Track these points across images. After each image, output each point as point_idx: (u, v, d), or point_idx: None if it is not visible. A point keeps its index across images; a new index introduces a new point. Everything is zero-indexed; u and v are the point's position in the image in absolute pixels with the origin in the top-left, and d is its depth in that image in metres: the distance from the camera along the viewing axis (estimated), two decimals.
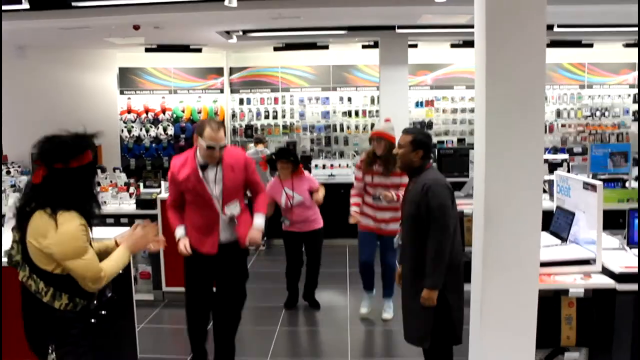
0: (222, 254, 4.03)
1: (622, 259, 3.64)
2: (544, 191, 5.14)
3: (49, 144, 2.65)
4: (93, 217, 2.77)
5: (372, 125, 10.80)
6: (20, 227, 2.67)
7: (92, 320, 2.81)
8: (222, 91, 10.93)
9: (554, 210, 4.27)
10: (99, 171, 3.10)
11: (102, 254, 2.83)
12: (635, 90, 10.80)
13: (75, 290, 2.68)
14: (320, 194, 5.70)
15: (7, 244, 4.00)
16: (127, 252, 2.87)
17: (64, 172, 2.63)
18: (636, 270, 3.42)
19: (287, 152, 5.84)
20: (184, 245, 4.01)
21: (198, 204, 3.98)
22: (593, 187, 3.64)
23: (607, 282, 3.48)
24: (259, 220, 4.10)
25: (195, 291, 4.17)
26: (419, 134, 3.82)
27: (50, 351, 2.68)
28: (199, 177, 3.90)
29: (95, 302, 2.82)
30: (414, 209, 3.61)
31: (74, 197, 2.66)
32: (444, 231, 3.55)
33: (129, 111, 10.80)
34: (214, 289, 4.25)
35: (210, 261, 4.04)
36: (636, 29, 7.88)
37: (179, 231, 4.08)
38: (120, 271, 2.89)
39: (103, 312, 2.97)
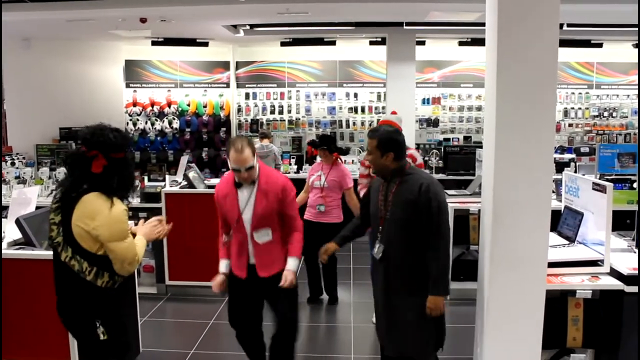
0: (255, 279, 3.73)
1: (631, 261, 3.60)
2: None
3: (105, 136, 2.84)
4: (128, 203, 3.00)
5: (379, 122, 10.75)
6: (65, 211, 2.83)
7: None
8: (228, 85, 10.91)
9: (562, 210, 4.23)
10: None
11: None
12: None
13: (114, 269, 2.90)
14: (352, 200, 5.71)
15: (9, 234, 4.03)
16: (145, 241, 3.07)
17: (120, 161, 2.89)
18: None
19: (325, 140, 5.90)
20: (217, 285, 3.79)
21: (233, 225, 3.75)
22: (602, 188, 3.60)
23: (614, 283, 3.44)
24: (293, 263, 3.70)
25: (235, 315, 3.89)
26: (384, 134, 3.48)
27: (97, 325, 2.89)
28: (234, 197, 3.69)
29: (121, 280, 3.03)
30: (409, 212, 3.33)
31: (126, 184, 2.94)
32: (447, 233, 3.38)
33: (135, 104, 10.78)
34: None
35: (246, 285, 3.77)
36: None
37: (221, 267, 3.86)
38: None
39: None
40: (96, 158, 2.82)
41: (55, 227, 2.87)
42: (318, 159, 6.20)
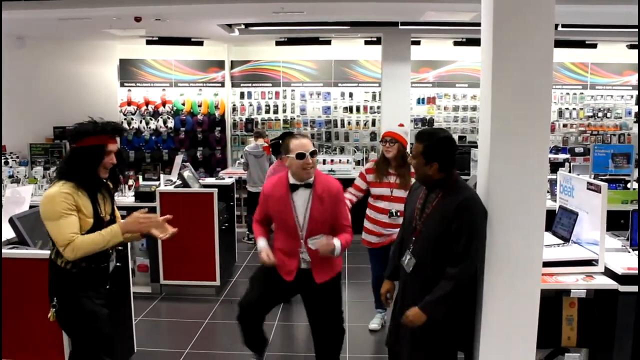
0: (304, 284, 3.75)
1: (625, 260, 3.62)
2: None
3: (73, 126, 3.10)
4: (92, 192, 3.09)
5: (374, 121, 10.77)
6: None
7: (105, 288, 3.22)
8: (223, 85, 10.89)
9: (557, 209, 4.24)
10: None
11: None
12: (638, 92, 10.76)
13: None
14: None
15: (3, 234, 4.01)
16: (117, 230, 3.05)
17: (72, 150, 3.11)
18: (638, 271, 3.39)
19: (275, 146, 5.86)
20: (267, 255, 3.70)
21: (283, 228, 3.71)
22: (597, 188, 3.61)
23: (609, 283, 3.45)
24: (337, 242, 3.64)
25: (254, 302, 3.82)
26: (432, 140, 3.20)
27: (53, 304, 3.02)
28: (287, 200, 3.63)
29: (93, 266, 3.09)
30: (443, 228, 3.10)
31: (73, 172, 3.03)
32: (474, 259, 3.10)
33: (129, 103, 10.75)
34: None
35: (285, 285, 3.77)
36: None
37: (261, 243, 3.80)
38: (109, 247, 3.07)
39: (108, 287, 3.27)
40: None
41: None
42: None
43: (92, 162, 3.06)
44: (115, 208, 3.34)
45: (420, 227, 3.21)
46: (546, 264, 3.39)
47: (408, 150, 4.91)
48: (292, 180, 3.65)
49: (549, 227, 3.86)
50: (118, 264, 3.48)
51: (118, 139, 3.24)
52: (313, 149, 3.60)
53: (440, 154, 3.16)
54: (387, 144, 4.78)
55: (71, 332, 3.12)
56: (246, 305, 3.81)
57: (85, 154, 3.04)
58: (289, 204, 3.63)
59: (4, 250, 3.79)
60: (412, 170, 4.31)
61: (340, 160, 9.07)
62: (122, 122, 10.66)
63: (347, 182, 6.03)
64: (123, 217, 3.30)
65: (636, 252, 3.79)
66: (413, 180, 4.10)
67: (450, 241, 3.07)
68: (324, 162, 8.84)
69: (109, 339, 3.14)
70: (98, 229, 3.04)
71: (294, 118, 10.95)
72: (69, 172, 3.03)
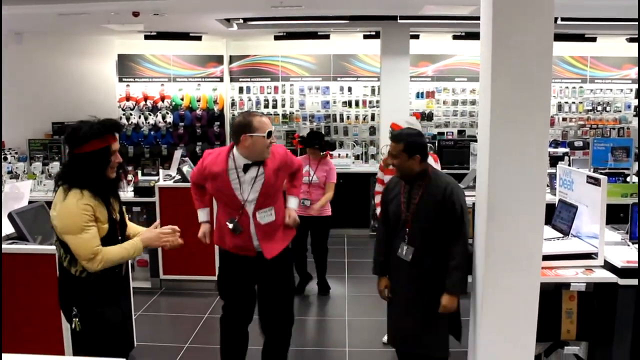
0: (261, 262, 3.65)
1: (625, 254, 3.62)
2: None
3: (68, 130, 2.95)
4: (106, 197, 2.98)
5: (373, 115, 10.75)
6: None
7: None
8: (221, 79, 10.86)
9: (556, 203, 4.24)
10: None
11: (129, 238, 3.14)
12: (637, 85, 10.75)
13: None
14: (324, 198, 5.81)
15: (4, 229, 4.01)
16: (140, 244, 3.04)
17: (75, 156, 2.91)
18: (637, 264, 3.40)
19: (315, 138, 5.91)
20: (204, 234, 3.77)
21: (227, 205, 3.64)
22: (597, 181, 3.61)
23: (608, 276, 3.46)
24: (294, 202, 3.84)
25: (231, 296, 3.78)
26: (410, 137, 3.52)
27: (73, 314, 2.93)
28: (227, 178, 3.54)
29: (108, 272, 2.99)
30: (435, 215, 3.42)
31: (86, 179, 2.87)
32: (467, 235, 3.45)
33: (128, 99, 10.72)
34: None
35: (247, 264, 3.67)
36: None
37: (201, 215, 3.82)
38: (130, 260, 3.12)
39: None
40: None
41: None
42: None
43: (101, 166, 2.93)
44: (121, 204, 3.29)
45: (412, 218, 3.46)
46: (546, 258, 3.40)
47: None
48: (243, 161, 3.52)
49: (548, 221, 3.87)
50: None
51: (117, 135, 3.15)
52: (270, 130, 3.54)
53: (419, 147, 3.48)
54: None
55: (88, 339, 3.01)
56: (228, 300, 3.81)
57: (92, 158, 2.89)
58: (229, 182, 3.54)
59: (3, 245, 3.79)
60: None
61: (339, 154, 9.07)
62: (120, 117, 10.65)
63: (346, 176, 6.06)
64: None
65: (636, 246, 3.79)
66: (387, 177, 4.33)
67: (443, 224, 3.40)
68: (331, 152, 8.83)
69: (121, 346, 3.07)
70: (113, 232, 2.98)
71: (293, 113, 10.93)
72: (78, 179, 2.88)
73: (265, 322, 3.80)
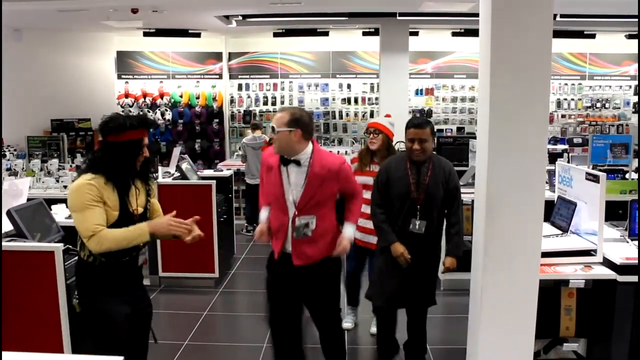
0: (290, 266, 3.52)
1: (623, 250, 3.63)
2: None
3: (106, 120, 3.01)
4: (123, 186, 3.02)
5: (372, 113, 10.75)
6: None
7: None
8: (220, 76, 10.86)
9: (555, 200, 4.24)
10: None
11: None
12: (636, 82, 10.75)
13: None
14: None
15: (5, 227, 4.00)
16: (146, 228, 3.01)
17: (104, 143, 3.00)
18: (636, 261, 3.40)
19: None
20: (260, 231, 3.58)
21: (273, 202, 3.57)
22: (596, 178, 3.61)
23: (607, 273, 3.47)
24: (349, 230, 3.57)
25: (273, 299, 3.69)
26: (428, 121, 3.92)
27: (75, 296, 3.04)
28: (279, 171, 3.47)
29: (113, 260, 3.00)
30: (441, 192, 3.82)
31: (104, 165, 2.95)
32: (461, 209, 3.94)
33: (127, 95, 10.72)
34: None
35: (279, 271, 3.59)
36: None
37: (262, 214, 3.67)
38: (138, 243, 3.03)
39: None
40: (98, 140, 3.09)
41: None
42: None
43: (132, 156, 3.01)
44: (155, 201, 3.30)
45: (423, 196, 3.79)
46: (545, 255, 3.40)
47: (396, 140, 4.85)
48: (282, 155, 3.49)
49: (547, 218, 3.87)
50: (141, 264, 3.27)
51: None
52: (273, 124, 3.45)
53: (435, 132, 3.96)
54: (372, 135, 4.58)
55: (90, 326, 3.06)
56: (274, 321, 3.70)
57: (125, 148, 2.97)
58: (279, 176, 3.47)
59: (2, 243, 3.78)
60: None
61: (338, 151, 9.07)
62: (154, 120, 10.59)
63: None
64: None
65: (634, 242, 3.79)
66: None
67: (446, 199, 3.84)
68: None
69: (122, 341, 3.02)
70: (127, 222, 2.98)
71: None
72: (103, 165, 2.96)
73: (320, 337, 3.77)
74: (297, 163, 3.43)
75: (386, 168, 3.96)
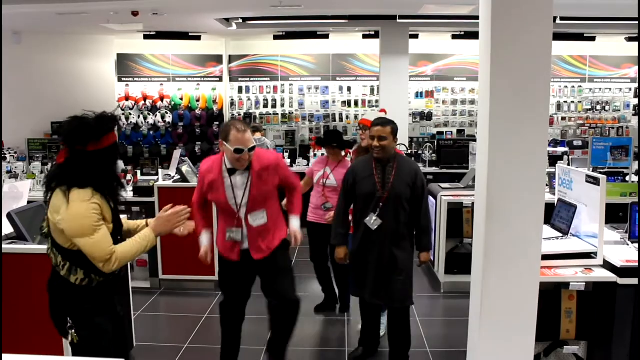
0: (249, 261, 3.78)
1: (624, 253, 3.62)
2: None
3: (70, 126, 2.71)
4: (115, 197, 2.85)
5: (360, 120, 10.75)
6: (47, 202, 2.76)
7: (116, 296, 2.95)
8: (221, 79, 10.87)
9: (555, 202, 4.24)
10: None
11: (127, 234, 2.97)
12: (636, 85, 10.75)
13: (91, 267, 2.72)
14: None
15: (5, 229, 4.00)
16: (151, 234, 2.88)
17: (82, 153, 2.69)
18: (636, 264, 3.40)
19: (334, 137, 5.44)
20: (205, 253, 3.84)
21: (223, 211, 3.77)
22: (596, 181, 3.61)
23: (608, 275, 3.46)
24: (296, 222, 3.89)
25: (227, 297, 3.98)
26: (391, 122, 4.05)
27: (69, 325, 2.76)
28: (222, 184, 3.65)
29: (111, 279, 2.86)
30: (407, 191, 3.94)
31: (91, 177, 2.71)
32: (428, 205, 4.11)
33: (127, 98, 10.73)
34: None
35: (239, 267, 3.82)
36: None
37: (203, 238, 3.86)
38: (145, 252, 2.92)
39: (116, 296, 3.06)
40: (61, 148, 2.75)
41: (45, 218, 2.80)
42: (317, 153, 5.92)
43: (112, 162, 2.82)
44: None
45: (387, 195, 3.93)
46: (545, 257, 3.39)
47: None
48: (229, 165, 3.65)
49: (547, 220, 3.87)
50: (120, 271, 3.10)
51: None
52: (252, 145, 3.57)
53: (397, 131, 4.06)
54: (361, 131, 4.79)
55: (83, 352, 2.83)
56: (225, 305, 3.99)
57: (105, 154, 2.74)
58: (224, 188, 3.66)
59: (2, 245, 3.78)
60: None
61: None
62: (119, 116, 10.63)
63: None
64: (121, 212, 3.22)
65: (635, 245, 3.79)
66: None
67: (411, 199, 3.96)
68: (322, 155, 8.81)
69: (119, 350, 2.95)
70: (118, 231, 2.86)
71: (292, 112, 10.94)
72: (82, 177, 2.69)
73: (271, 305, 3.94)
74: (246, 168, 3.66)
75: (353, 168, 4.20)
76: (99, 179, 2.74)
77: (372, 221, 3.96)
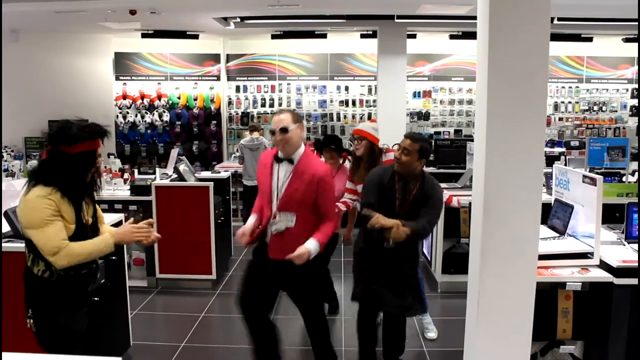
0: (266, 259, 3.68)
1: (620, 253, 3.63)
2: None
3: (55, 127, 2.86)
4: (77, 202, 2.89)
5: (370, 115, 10.76)
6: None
7: (95, 299, 2.98)
8: (218, 78, 10.86)
9: (552, 203, 4.25)
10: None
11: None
12: (633, 85, 10.78)
13: None
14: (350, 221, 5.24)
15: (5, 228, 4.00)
16: (110, 240, 2.93)
17: (57, 153, 2.83)
18: (633, 264, 3.40)
19: (332, 140, 5.25)
20: (242, 231, 3.66)
21: (265, 200, 3.69)
22: (593, 181, 3.61)
23: (604, 275, 3.47)
24: (312, 243, 3.52)
25: (249, 281, 3.82)
26: (425, 142, 3.85)
27: (28, 314, 2.86)
28: (270, 171, 3.67)
29: (72, 273, 2.88)
30: (420, 208, 3.76)
31: (57, 178, 2.80)
32: (435, 219, 3.86)
33: (125, 97, 10.71)
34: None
35: (264, 257, 3.71)
36: (636, 23, 7.85)
37: (250, 219, 3.76)
38: (100, 256, 2.95)
39: (96, 299, 3.06)
40: (47, 147, 2.91)
41: None
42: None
43: (84, 168, 2.89)
44: (98, 208, 3.20)
45: (404, 213, 3.75)
46: (542, 257, 3.40)
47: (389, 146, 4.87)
48: (279, 153, 3.68)
49: (544, 220, 3.87)
50: (107, 281, 3.21)
51: None
52: (283, 125, 3.53)
53: (427, 154, 3.85)
54: (356, 141, 4.62)
55: (44, 344, 2.91)
56: (242, 299, 3.78)
57: (77, 160, 2.84)
58: (270, 174, 3.67)
59: None
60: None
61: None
62: (117, 115, 10.64)
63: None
64: (119, 210, 3.24)
65: (631, 245, 3.80)
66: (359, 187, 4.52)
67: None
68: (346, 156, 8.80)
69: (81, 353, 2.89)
70: (81, 234, 2.89)
71: None
72: (53, 177, 2.80)
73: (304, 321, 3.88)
74: (290, 161, 3.62)
75: (378, 174, 3.93)
76: (64, 180, 2.82)
77: (391, 242, 3.68)
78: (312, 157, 3.72)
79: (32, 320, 2.86)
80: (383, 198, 3.80)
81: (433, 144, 9.08)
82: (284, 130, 3.54)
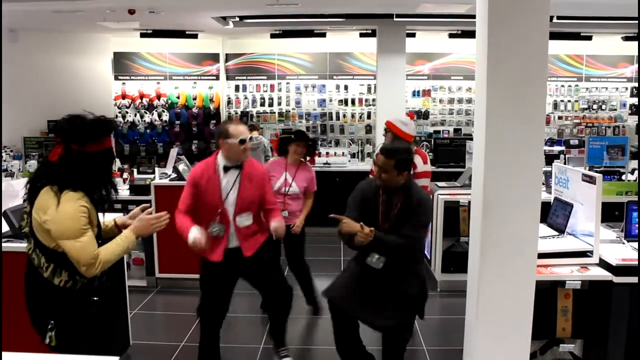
0: (234, 261, 3.92)
1: (619, 252, 3.64)
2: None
3: (70, 124, 2.66)
4: (104, 202, 2.83)
5: (369, 114, 10.76)
6: (30, 201, 2.69)
7: (94, 299, 2.87)
8: (217, 78, 10.85)
9: (552, 201, 4.25)
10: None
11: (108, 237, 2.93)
12: (633, 84, 10.77)
13: (76, 269, 2.69)
14: (304, 212, 5.15)
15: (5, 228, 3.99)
16: (132, 236, 2.87)
17: (79, 154, 2.66)
18: (632, 262, 3.41)
19: (306, 135, 5.22)
20: (194, 239, 3.71)
21: (210, 210, 3.82)
22: (592, 180, 3.62)
23: (603, 274, 3.48)
24: (276, 221, 3.95)
25: (209, 299, 4.09)
26: (401, 154, 3.57)
27: (49, 327, 2.71)
28: (216, 180, 3.82)
29: (96, 282, 2.84)
30: (406, 223, 3.55)
31: (85, 180, 2.69)
32: (420, 236, 3.66)
33: (124, 97, 10.70)
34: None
35: (221, 269, 3.94)
36: (636, 21, 7.85)
37: (193, 231, 3.74)
38: (125, 255, 2.94)
39: (95, 299, 2.99)
40: (55, 146, 2.69)
41: (26, 217, 2.73)
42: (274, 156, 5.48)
43: (108, 166, 2.79)
44: None
45: (390, 226, 3.57)
46: (541, 256, 3.41)
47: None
48: (224, 163, 3.85)
49: (544, 219, 3.88)
50: (106, 281, 3.09)
51: None
52: (247, 136, 3.85)
53: (408, 164, 3.61)
54: (384, 132, 4.83)
55: (56, 350, 2.79)
56: (203, 310, 4.09)
57: (102, 158, 2.73)
58: (218, 184, 3.81)
59: None
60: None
61: (335, 153, 9.08)
62: (116, 115, 10.63)
63: (342, 175, 5.94)
64: (118, 210, 3.22)
65: (630, 244, 3.81)
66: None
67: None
68: (319, 155, 8.82)
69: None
70: (99, 235, 2.82)
71: (289, 111, 10.92)
72: (81, 180, 2.66)
73: (267, 299, 4.16)
74: (238, 167, 3.85)
75: (362, 187, 3.83)
76: (92, 182, 2.72)
77: (375, 260, 3.59)
78: (251, 159, 3.97)
79: (53, 333, 2.71)
80: (366, 212, 3.65)
81: (433, 143, 9.10)
82: (249, 140, 3.84)
